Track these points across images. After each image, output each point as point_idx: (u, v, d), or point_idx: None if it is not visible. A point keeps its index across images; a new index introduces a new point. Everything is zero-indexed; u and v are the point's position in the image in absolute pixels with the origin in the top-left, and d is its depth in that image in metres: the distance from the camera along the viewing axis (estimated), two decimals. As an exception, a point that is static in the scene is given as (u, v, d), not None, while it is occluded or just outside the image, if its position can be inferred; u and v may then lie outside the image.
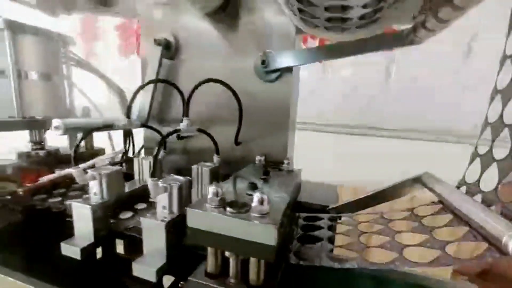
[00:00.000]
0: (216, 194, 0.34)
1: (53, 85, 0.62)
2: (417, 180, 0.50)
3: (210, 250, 0.36)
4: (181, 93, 0.56)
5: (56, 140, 0.87)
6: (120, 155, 0.72)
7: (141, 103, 0.68)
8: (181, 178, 0.44)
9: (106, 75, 0.95)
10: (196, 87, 0.50)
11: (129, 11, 0.69)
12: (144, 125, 0.59)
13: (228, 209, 0.33)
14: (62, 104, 0.66)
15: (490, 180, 0.35)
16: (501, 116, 0.36)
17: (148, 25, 0.66)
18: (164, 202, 0.41)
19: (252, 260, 0.34)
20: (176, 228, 0.41)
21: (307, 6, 0.36)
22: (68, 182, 0.63)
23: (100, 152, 0.78)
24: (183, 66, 0.66)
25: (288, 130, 0.58)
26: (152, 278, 0.37)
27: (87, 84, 0.93)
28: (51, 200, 0.55)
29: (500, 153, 0.35)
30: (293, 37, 0.55)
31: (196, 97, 0.54)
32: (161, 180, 0.42)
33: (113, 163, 0.71)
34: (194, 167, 0.53)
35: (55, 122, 0.47)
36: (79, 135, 0.52)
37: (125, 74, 1.36)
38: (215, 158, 0.58)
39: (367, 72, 1.25)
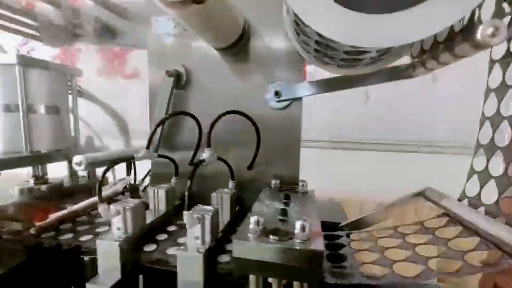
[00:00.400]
0: (258, 223, 0.36)
1: (60, 117, 0.61)
2: (420, 194, 0.56)
3: (251, 278, 0.37)
4: (199, 125, 0.58)
5: (51, 169, 0.83)
6: (124, 183, 0.71)
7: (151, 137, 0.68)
8: (207, 207, 0.46)
9: (104, 101, 0.94)
10: (217, 119, 0.52)
11: (138, 41, 0.70)
12: (161, 155, 0.59)
13: (271, 237, 0.35)
14: (68, 136, 0.65)
15: (490, 192, 0.41)
16: (492, 139, 0.42)
17: (157, 55, 0.68)
18: (197, 233, 0.42)
19: (296, 284, 0.35)
20: (209, 258, 0.42)
21: (327, 49, 0.41)
22: (72, 216, 0.60)
23: (104, 182, 0.76)
24: (193, 95, 0.68)
25: (299, 153, 0.62)
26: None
27: (83, 111, 0.90)
28: (62, 238, 0.52)
29: (496, 165, 0.41)
30: (301, 67, 0.60)
31: (205, 123, 0.57)
32: (191, 211, 0.43)
33: (119, 193, 0.70)
34: (213, 194, 0.54)
35: (77, 158, 0.46)
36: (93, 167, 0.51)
37: (112, 96, 1.35)
38: (231, 184, 0.60)
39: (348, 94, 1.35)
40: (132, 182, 0.83)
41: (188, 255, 0.40)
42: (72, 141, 0.66)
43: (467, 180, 0.46)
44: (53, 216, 0.52)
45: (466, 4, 0.29)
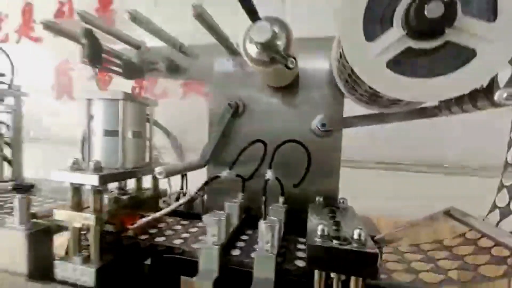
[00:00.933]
0: (323, 231, 0.47)
1: (142, 140, 0.74)
2: (446, 213, 0.65)
3: (316, 273, 0.47)
4: (265, 149, 0.70)
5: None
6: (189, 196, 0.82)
7: (204, 150, 0.80)
8: (274, 218, 0.56)
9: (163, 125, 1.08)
10: (278, 146, 0.64)
11: (200, 76, 0.84)
12: (239, 175, 0.71)
13: (334, 241, 0.45)
14: (145, 154, 0.78)
15: None
16: None
17: (218, 89, 0.81)
18: (268, 238, 0.53)
19: (353, 280, 0.45)
20: (278, 259, 0.52)
21: (372, 96, 0.53)
22: (154, 222, 0.72)
23: (162, 193, 0.88)
24: (246, 122, 0.80)
25: (338, 174, 0.73)
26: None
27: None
28: (157, 239, 0.64)
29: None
30: (342, 102, 0.72)
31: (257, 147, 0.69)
32: (266, 221, 0.54)
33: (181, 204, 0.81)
34: (270, 208, 0.65)
35: (158, 169, 0.58)
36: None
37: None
38: (281, 199, 0.71)
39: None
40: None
41: (262, 256, 0.50)
42: (146, 159, 0.79)
43: (497, 193, 0.55)
44: (141, 221, 0.64)
45: (488, 73, 0.40)
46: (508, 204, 0.52)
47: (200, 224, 0.76)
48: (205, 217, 0.55)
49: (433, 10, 0.38)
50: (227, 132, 0.80)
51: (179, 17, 2.28)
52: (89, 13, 0.73)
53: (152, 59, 0.86)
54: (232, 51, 0.77)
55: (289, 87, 0.75)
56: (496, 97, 0.39)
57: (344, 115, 0.73)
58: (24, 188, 0.74)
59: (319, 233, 0.46)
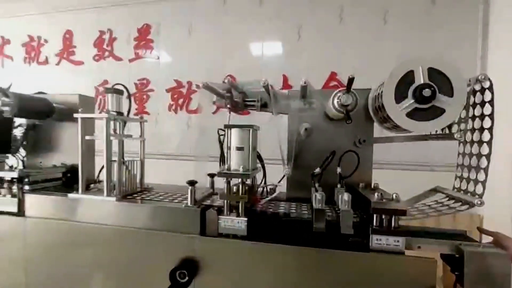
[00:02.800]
0: (378, 196, 0.94)
1: (254, 153, 1.20)
2: (433, 190, 1.14)
3: (375, 218, 0.95)
4: (333, 156, 1.17)
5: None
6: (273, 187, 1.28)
7: (288, 157, 1.27)
8: (345, 193, 1.04)
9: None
10: (343, 154, 1.12)
11: (282, 110, 1.31)
12: (313, 173, 1.17)
13: (384, 200, 0.93)
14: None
15: None
16: None
17: (292, 118, 1.29)
18: (347, 202, 0.99)
19: (393, 218, 0.93)
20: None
21: (391, 126, 1.02)
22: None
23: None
24: (312, 141, 1.28)
25: (371, 170, 1.22)
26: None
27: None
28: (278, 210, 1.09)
29: None
30: (372, 127, 1.21)
31: (318, 157, 1.17)
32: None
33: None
34: (336, 189, 1.12)
35: (286, 171, 1.04)
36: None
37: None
38: (338, 185, 1.18)
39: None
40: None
41: (345, 210, 0.97)
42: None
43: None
44: (264, 200, 1.09)
45: (449, 121, 0.90)
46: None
47: (283, 203, 1.21)
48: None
49: (427, 92, 0.88)
50: (300, 145, 1.27)
51: (212, 46, 2.78)
52: (231, 81, 1.17)
53: (250, 99, 1.32)
54: (303, 95, 1.25)
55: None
56: (454, 135, 0.89)
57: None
58: (191, 182, 1.15)
59: (376, 197, 0.94)
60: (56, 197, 1.24)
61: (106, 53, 3.21)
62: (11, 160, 1.68)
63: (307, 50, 2.64)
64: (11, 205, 1.27)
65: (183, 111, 2.96)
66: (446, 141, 1.04)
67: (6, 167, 1.70)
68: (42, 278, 1.24)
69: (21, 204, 1.27)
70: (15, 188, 1.29)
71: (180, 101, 2.99)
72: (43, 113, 1.54)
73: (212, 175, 1.41)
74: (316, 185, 1.11)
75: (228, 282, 1.04)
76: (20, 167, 1.64)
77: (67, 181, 1.56)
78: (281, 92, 1.32)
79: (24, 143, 1.65)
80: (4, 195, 1.29)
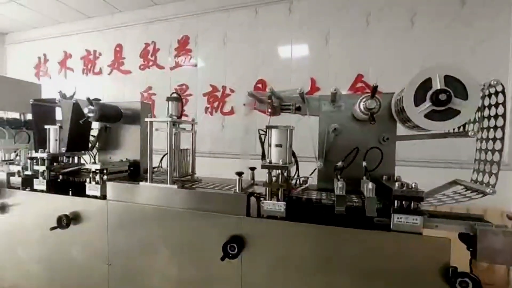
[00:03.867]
0: (399, 186, 1.11)
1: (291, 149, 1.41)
2: (453, 182, 1.27)
3: (396, 202, 1.11)
4: (357, 152, 1.35)
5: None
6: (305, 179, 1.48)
7: (319, 153, 1.46)
8: (370, 183, 1.21)
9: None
10: (368, 150, 1.29)
11: (313, 113, 1.51)
12: (337, 166, 1.36)
13: (403, 188, 1.09)
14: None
15: None
16: None
17: (323, 120, 1.48)
18: (372, 190, 1.17)
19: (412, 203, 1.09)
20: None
21: (412, 125, 1.17)
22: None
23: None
24: (340, 139, 1.46)
25: (394, 164, 1.37)
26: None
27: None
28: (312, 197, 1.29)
29: None
30: (395, 126, 1.36)
31: (345, 150, 1.34)
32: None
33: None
34: (362, 181, 1.30)
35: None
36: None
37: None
38: (364, 177, 1.35)
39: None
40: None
41: (371, 197, 1.15)
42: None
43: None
44: (299, 189, 1.30)
45: (464, 121, 1.04)
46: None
47: (314, 192, 1.41)
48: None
49: (443, 96, 1.03)
50: (330, 143, 1.46)
51: (245, 55, 3.03)
52: (272, 89, 1.40)
53: (286, 103, 1.53)
54: (332, 100, 1.44)
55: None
56: (469, 133, 1.02)
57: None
58: (239, 174, 1.40)
59: (397, 186, 1.10)
60: (131, 185, 1.55)
61: (150, 63, 3.62)
62: (87, 156, 2.07)
63: (334, 54, 2.78)
64: (96, 190, 1.61)
65: (218, 113, 3.25)
66: (467, 141, 1.17)
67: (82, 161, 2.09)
68: (120, 247, 1.56)
69: (103, 189, 1.60)
70: (97, 178, 1.63)
71: (216, 104, 3.28)
72: (115, 118, 1.89)
73: (252, 169, 1.65)
74: (338, 176, 1.29)
75: (269, 255, 1.26)
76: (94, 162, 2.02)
77: (131, 172, 1.90)
78: (312, 97, 1.51)
79: (97, 142, 2.02)
80: (90, 182, 1.64)
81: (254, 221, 1.29)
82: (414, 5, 2.52)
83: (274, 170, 1.27)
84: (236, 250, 1.26)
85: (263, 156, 1.47)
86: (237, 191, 1.34)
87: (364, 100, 1.18)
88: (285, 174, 1.29)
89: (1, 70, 4.45)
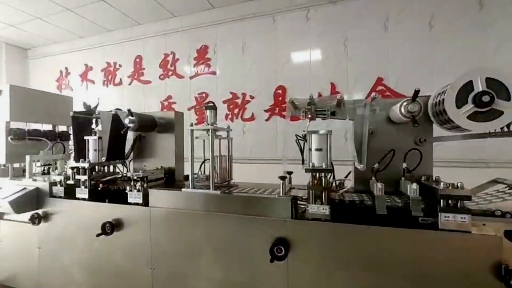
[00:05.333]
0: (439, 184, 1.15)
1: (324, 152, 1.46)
2: (493, 181, 1.29)
3: (443, 201, 1.14)
4: (394, 153, 1.40)
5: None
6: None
7: (361, 156, 1.51)
8: (411, 183, 1.25)
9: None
10: (408, 152, 1.33)
11: (349, 117, 1.55)
12: (375, 168, 1.41)
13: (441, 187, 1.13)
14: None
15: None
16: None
17: (357, 123, 1.53)
18: (416, 191, 1.20)
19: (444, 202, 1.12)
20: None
21: (454, 126, 1.21)
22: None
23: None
24: (375, 141, 1.50)
25: (432, 164, 1.40)
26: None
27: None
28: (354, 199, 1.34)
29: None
30: (431, 127, 1.40)
31: (381, 152, 1.39)
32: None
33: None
34: (401, 181, 1.34)
35: (361, 166, 1.29)
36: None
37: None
38: (403, 178, 1.39)
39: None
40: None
41: (415, 198, 1.18)
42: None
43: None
44: (340, 192, 1.34)
45: (508, 121, 1.08)
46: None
47: (354, 194, 1.45)
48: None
49: (486, 98, 1.07)
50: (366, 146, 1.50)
51: (264, 62, 3.11)
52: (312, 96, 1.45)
53: (321, 108, 1.58)
54: (337, 105, 1.48)
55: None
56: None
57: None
58: (282, 177, 1.45)
59: (442, 185, 1.14)
60: (173, 191, 1.62)
61: (170, 72, 3.73)
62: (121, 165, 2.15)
63: (353, 59, 2.84)
64: (139, 198, 1.68)
65: (239, 120, 3.32)
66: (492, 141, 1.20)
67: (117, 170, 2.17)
68: (163, 252, 1.61)
69: (145, 197, 1.67)
70: (138, 185, 1.70)
71: (236, 111, 3.36)
72: (151, 127, 1.97)
73: (289, 173, 1.70)
74: (374, 177, 1.33)
75: (314, 256, 1.30)
76: (127, 170, 2.10)
77: (167, 179, 1.97)
78: (347, 101, 1.56)
79: (132, 151, 2.10)
80: (131, 190, 1.71)
81: (300, 223, 1.33)
82: (432, 9, 2.57)
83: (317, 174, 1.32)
84: (283, 252, 1.30)
85: (303, 161, 1.52)
86: (280, 194, 1.39)
87: (405, 104, 1.23)
88: (328, 177, 1.34)
89: (24, 84, 4.62)
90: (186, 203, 1.57)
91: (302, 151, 1.53)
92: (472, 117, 1.12)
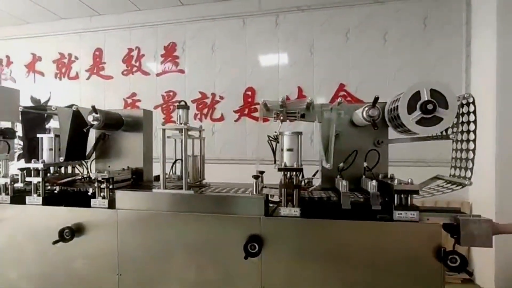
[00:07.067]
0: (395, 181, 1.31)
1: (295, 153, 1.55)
2: (435, 178, 1.51)
3: (397, 198, 1.31)
4: (356, 154, 1.54)
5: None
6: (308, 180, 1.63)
7: (327, 157, 1.63)
8: (371, 180, 1.40)
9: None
10: (368, 152, 1.48)
11: (317, 119, 1.67)
12: (340, 167, 1.54)
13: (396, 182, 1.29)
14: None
15: None
16: None
17: (324, 126, 1.65)
18: (375, 187, 1.35)
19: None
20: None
21: (403, 130, 1.40)
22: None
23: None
24: (341, 143, 1.64)
25: (388, 164, 1.59)
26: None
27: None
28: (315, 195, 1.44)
29: None
30: (387, 131, 1.58)
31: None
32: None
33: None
34: (362, 179, 1.48)
35: (328, 166, 1.40)
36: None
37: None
38: (363, 176, 1.54)
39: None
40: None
41: (374, 193, 1.33)
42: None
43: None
44: (309, 190, 1.44)
45: (446, 126, 1.28)
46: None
47: (321, 192, 1.56)
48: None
49: (430, 106, 1.26)
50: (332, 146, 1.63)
51: (233, 63, 3.15)
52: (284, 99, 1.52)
53: (292, 111, 1.67)
54: (307, 108, 1.61)
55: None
56: (449, 134, 1.26)
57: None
58: (256, 177, 1.49)
59: (396, 181, 1.30)
60: (144, 192, 1.56)
61: (135, 68, 3.53)
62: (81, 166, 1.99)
63: (318, 65, 3.03)
64: (104, 200, 1.58)
65: (208, 120, 3.30)
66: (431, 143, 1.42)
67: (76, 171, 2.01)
68: (132, 256, 1.54)
69: (111, 199, 1.58)
70: (103, 186, 1.60)
71: (205, 111, 3.32)
72: (117, 126, 1.86)
73: (261, 172, 1.76)
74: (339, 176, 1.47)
75: (287, 250, 1.38)
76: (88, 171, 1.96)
77: (134, 181, 1.88)
78: (316, 105, 1.68)
79: (94, 151, 1.96)
80: (96, 192, 1.60)
81: (272, 220, 1.40)
82: (386, 24, 2.88)
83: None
84: (257, 248, 1.35)
85: (275, 160, 1.59)
86: (254, 193, 1.44)
87: (367, 109, 1.37)
88: (299, 176, 1.43)
89: (-48, 72, 3.95)
90: (158, 204, 1.53)
91: (274, 151, 1.60)
92: (420, 122, 1.30)
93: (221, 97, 3.28)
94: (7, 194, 1.68)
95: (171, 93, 3.44)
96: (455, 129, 1.35)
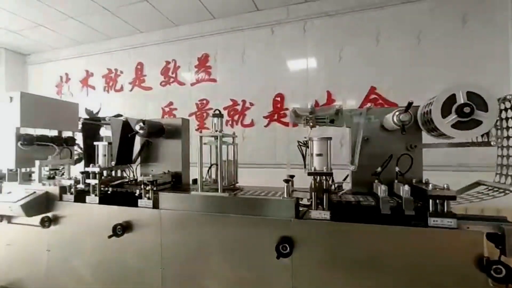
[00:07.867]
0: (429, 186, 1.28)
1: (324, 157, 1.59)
2: (476, 183, 1.44)
3: (431, 204, 1.28)
4: (390, 158, 1.54)
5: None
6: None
7: (354, 160, 1.64)
8: (403, 185, 1.38)
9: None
10: (400, 156, 1.47)
11: (346, 124, 1.69)
12: (375, 172, 1.54)
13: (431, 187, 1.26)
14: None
15: None
16: None
17: (354, 130, 1.66)
18: (407, 192, 1.34)
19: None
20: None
21: (437, 134, 1.36)
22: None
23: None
24: (370, 147, 1.64)
25: (422, 168, 1.55)
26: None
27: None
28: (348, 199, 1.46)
29: None
30: (421, 135, 1.55)
31: (379, 159, 1.53)
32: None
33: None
34: (395, 183, 1.47)
35: (353, 167, 1.42)
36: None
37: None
38: (396, 180, 1.52)
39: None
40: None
41: (407, 198, 1.32)
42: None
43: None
44: (340, 194, 1.47)
45: (486, 130, 1.23)
46: (500, 173, 1.32)
47: (352, 195, 1.57)
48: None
49: (467, 109, 1.22)
50: (361, 151, 1.64)
51: (263, 70, 3.25)
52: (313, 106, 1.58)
53: (321, 117, 1.71)
54: (336, 113, 1.62)
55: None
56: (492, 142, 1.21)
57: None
58: (286, 180, 1.57)
59: (431, 187, 1.27)
60: (183, 194, 1.71)
61: (171, 79, 3.83)
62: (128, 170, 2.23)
63: (347, 69, 3.01)
64: (149, 201, 1.76)
65: (239, 125, 3.44)
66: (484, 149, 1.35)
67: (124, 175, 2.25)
68: (173, 253, 1.69)
69: (155, 199, 1.76)
70: (148, 188, 1.79)
71: (236, 117, 3.47)
72: (159, 133, 2.07)
73: (292, 176, 1.82)
74: (377, 180, 1.47)
75: (318, 252, 1.42)
76: (133, 174, 2.18)
77: (174, 183, 2.06)
78: (344, 110, 1.70)
79: (139, 156, 2.18)
80: (142, 193, 1.79)
81: (303, 222, 1.45)
82: (420, 24, 2.77)
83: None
84: (288, 249, 1.41)
85: (305, 165, 1.64)
86: (285, 196, 1.51)
87: (397, 113, 1.37)
88: (329, 180, 1.46)
89: (23, 89, 4.63)
90: (195, 205, 1.67)
91: (304, 156, 1.65)
92: (456, 125, 1.27)
93: (251, 104, 3.41)
94: (71, 193, 1.96)
95: (204, 101, 3.66)
96: (499, 133, 1.29)
